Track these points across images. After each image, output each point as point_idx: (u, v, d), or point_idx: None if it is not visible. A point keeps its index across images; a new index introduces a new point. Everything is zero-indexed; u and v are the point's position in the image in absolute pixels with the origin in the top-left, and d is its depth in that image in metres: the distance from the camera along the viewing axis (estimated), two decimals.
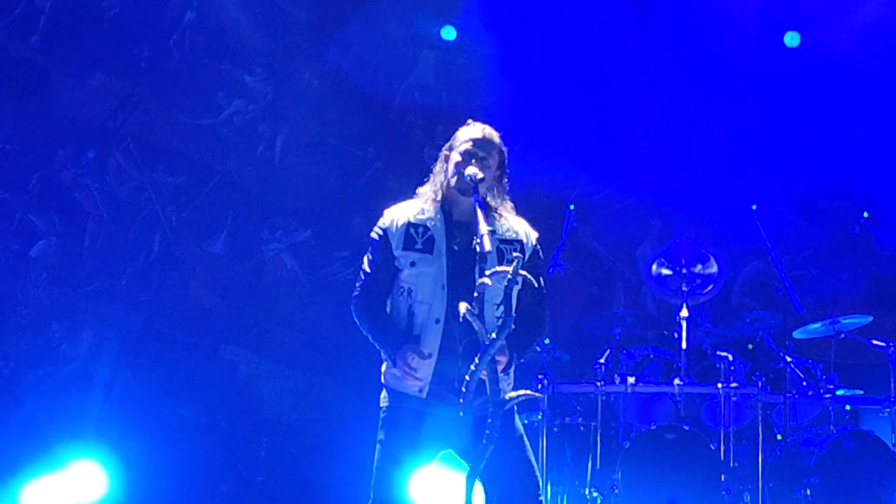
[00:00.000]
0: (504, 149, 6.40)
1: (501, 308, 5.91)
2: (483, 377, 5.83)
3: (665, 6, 12.06)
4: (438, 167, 6.39)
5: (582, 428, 10.20)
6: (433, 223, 6.34)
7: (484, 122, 6.62)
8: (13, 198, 12.28)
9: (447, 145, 6.40)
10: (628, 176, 12.59)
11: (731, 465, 10.04)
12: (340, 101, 12.55)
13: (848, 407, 10.57)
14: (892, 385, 10.38)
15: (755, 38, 11.98)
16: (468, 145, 6.30)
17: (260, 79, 12.63)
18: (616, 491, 9.76)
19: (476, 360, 5.80)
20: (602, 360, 10.26)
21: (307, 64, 12.66)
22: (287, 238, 12.47)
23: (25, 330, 11.97)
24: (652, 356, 10.46)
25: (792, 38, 12.03)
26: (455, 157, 6.29)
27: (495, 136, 6.39)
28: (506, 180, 6.40)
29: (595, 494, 9.92)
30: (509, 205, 6.44)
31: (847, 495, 9.98)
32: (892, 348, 10.46)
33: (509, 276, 5.88)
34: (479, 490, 6.19)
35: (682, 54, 12.23)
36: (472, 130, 6.37)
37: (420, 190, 6.42)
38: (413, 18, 12.62)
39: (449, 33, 12.60)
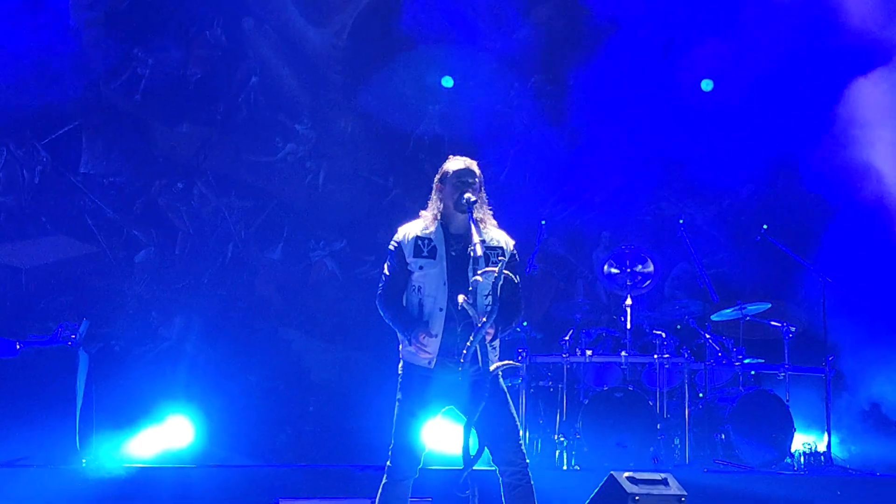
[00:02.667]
0: (481, 174, 6.40)
1: (489, 298, 6.07)
2: (477, 350, 5.97)
3: (613, 63, 11.97)
4: (434, 196, 6.40)
5: (551, 389, 10.20)
6: (435, 236, 6.38)
7: (477, 158, 6.61)
8: (122, 217, 12.22)
9: (438, 177, 6.42)
10: (585, 199, 12.54)
11: (665, 416, 10.09)
12: (368, 142, 12.51)
13: (753, 372, 10.56)
14: (785, 355, 10.39)
15: (678, 86, 11.90)
16: (462, 177, 6.33)
17: (307, 127, 12.57)
18: (578, 436, 9.79)
19: (471, 337, 5.96)
20: (567, 338, 10.27)
21: (342, 115, 12.61)
22: (328, 247, 12.42)
23: (131, 317, 11.94)
24: (604, 334, 10.46)
25: (707, 84, 12.00)
26: (451, 187, 6.32)
27: (475, 165, 6.41)
28: (485, 195, 6.37)
29: (562, 439, 9.94)
30: (491, 217, 6.43)
31: (752, 438, 9.98)
32: (785, 327, 10.48)
33: (495, 275, 5.99)
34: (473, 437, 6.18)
35: (626, 101, 12.17)
36: (459, 163, 6.40)
37: (423, 212, 6.43)
38: (422, 78, 12.59)
39: (448, 81, 12.55)
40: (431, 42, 12.39)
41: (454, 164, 6.39)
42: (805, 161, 11.55)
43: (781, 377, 10.52)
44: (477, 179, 6.33)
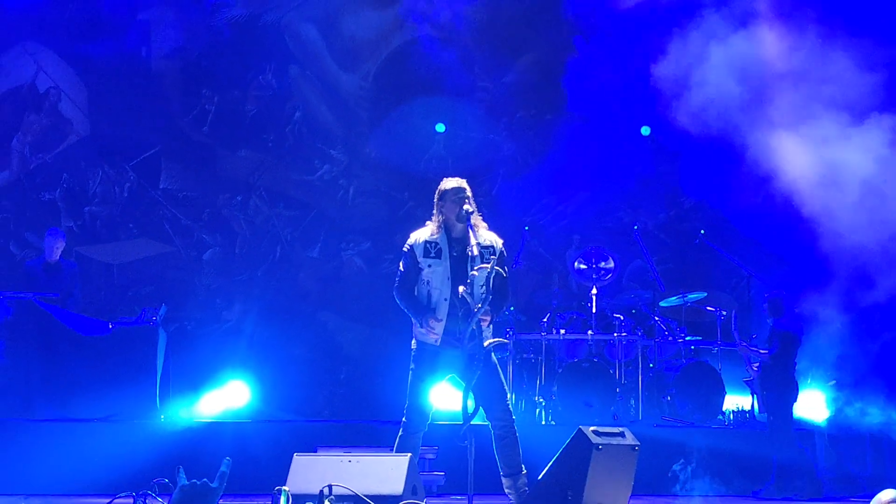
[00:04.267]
0: (470, 188, 6.46)
1: (484, 288, 6.13)
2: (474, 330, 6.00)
3: (582, 104, 11.90)
4: (437, 210, 6.45)
5: (533, 360, 10.17)
6: (440, 240, 6.48)
7: (473, 177, 6.65)
8: (193, 223, 12.23)
9: (437, 195, 6.48)
10: (560, 210, 12.54)
11: (622, 382, 10.07)
12: (388, 165, 12.50)
13: (692, 347, 10.53)
14: (718, 333, 10.37)
15: (624, 129, 11.84)
16: (459, 194, 6.37)
17: (339, 152, 12.57)
18: (553, 398, 9.75)
19: (470, 321, 6.02)
20: (545, 320, 10.22)
21: (367, 143, 12.61)
22: (356, 247, 12.40)
23: (200, 303, 11.96)
24: (574, 317, 10.43)
25: (645, 129, 11.93)
26: (451, 202, 6.39)
27: (465, 182, 6.47)
28: (475, 205, 6.43)
29: (541, 400, 9.91)
30: (482, 221, 6.48)
31: (692, 400, 9.97)
32: (718, 312, 10.46)
33: (488, 270, 6.01)
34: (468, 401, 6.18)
35: (591, 133, 12.08)
36: (454, 183, 6.46)
37: (429, 222, 6.52)
38: (430, 115, 12.60)
39: (440, 127, 12.56)
40: (437, 86, 12.40)
41: (450, 183, 6.44)
42: (731, 178, 11.47)
43: (715, 351, 10.49)
44: (469, 194, 6.39)
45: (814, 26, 10.98)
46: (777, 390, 8.91)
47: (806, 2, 10.90)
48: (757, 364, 9.04)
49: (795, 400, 9.04)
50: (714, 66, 10.17)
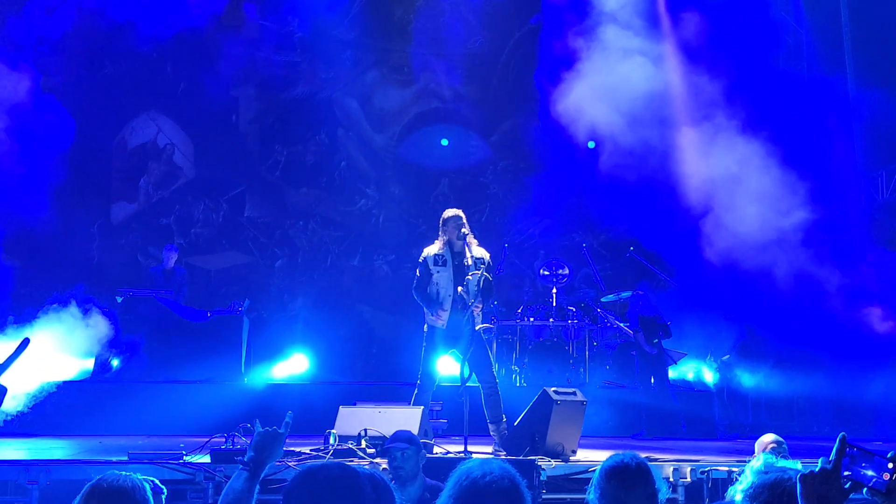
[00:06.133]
0: (465, 215, 6.45)
1: (476, 288, 6.13)
2: (470, 318, 5.93)
3: (552, 152, 11.69)
4: (441, 232, 6.41)
5: (510, 340, 10.10)
6: (445, 254, 6.42)
7: (468, 207, 6.65)
8: (268, 241, 12.26)
9: (441, 221, 6.44)
10: (530, 232, 12.56)
11: (574, 355, 9.96)
12: (407, 199, 12.52)
13: (621, 329, 10.47)
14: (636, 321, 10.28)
15: (576, 176, 11.53)
16: (457, 221, 6.36)
17: (372, 190, 12.58)
18: (525, 367, 9.72)
19: (466, 311, 6.06)
20: (519, 311, 10.21)
21: (392, 184, 12.63)
22: (384, 258, 12.41)
23: (273, 298, 11.94)
24: (540, 309, 10.35)
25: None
26: (452, 227, 6.37)
27: (461, 212, 6.44)
28: (469, 228, 6.41)
29: (516, 368, 9.86)
30: (475, 240, 6.44)
31: (623, 369, 9.89)
32: (636, 304, 10.29)
33: (479, 275, 5.97)
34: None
35: (556, 177, 11.96)
36: (454, 212, 6.45)
37: (437, 241, 6.49)
38: (439, 164, 12.61)
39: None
40: (445, 143, 12.52)
41: (451, 213, 6.42)
42: (645, 211, 11.30)
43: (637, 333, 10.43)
44: (465, 221, 6.38)
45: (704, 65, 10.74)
46: (652, 360, 9.02)
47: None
48: (656, 339, 9.06)
49: (667, 366, 9.07)
50: (636, 122, 10.09)
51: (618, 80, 9.87)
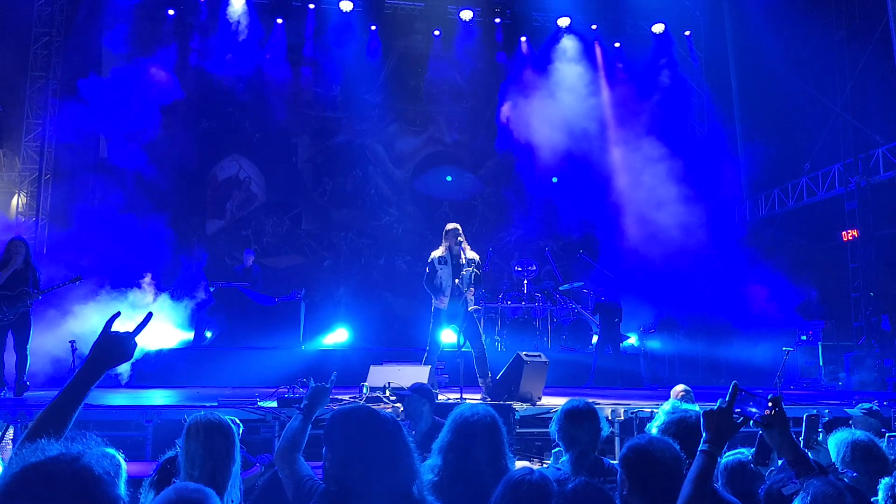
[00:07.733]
0: (461, 228, 6.37)
1: (469, 280, 6.03)
2: (465, 302, 5.85)
3: (522, 179, 11.71)
4: (444, 239, 6.34)
5: (493, 318, 10.07)
6: (446, 256, 6.35)
7: (462, 221, 6.60)
8: (318, 246, 12.20)
9: (444, 232, 6.37)
10: (507, 239, 12.51)
11: (539, 328, 9.98)
12: (421, 216, 12.46)
13: (577, 310, 10.47)
14: (591, 304, 10.27)
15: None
16: (456, 233, 6.30)
17: (394, 209, 12.53)
18: (504, 337, 9.69)
19: (462, 297, 5.93)
20: (500, 297, 10.20)
21: (410, 204, 12.59)
22: (403, 259, 12.38)
23: (321, 288, 11.83)
24: (515, 295, 10.38)
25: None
26: (451, 236, 6.32)
27: (458, 225, 6.34)
28: (464, 236, 6.35)
29: (497, 338, 9.84)
30: (468, 245, 6.40)
31: (577, 337, 9.88)
32: (591, 293, 10.34)
33: (471, 271, 5.92)
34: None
35: (522, 204, 11.96)
36: (453, 225, 6.38)
37: (440, 247, 6.42)
38: (444, 192, 12.57)
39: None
40: (449, 179, 12.48)
41: (451, 226, 6.37)
42: (592, 220, 11.29)
43: (588, 313, 10.43)
44: (461, 231, 6.33)
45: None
46: (609, 334, 9.01)
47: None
48: (617, 319, 9.09)
49: (610, 336, 9.02)
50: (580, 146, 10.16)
51: (564, 119, 10.08)
